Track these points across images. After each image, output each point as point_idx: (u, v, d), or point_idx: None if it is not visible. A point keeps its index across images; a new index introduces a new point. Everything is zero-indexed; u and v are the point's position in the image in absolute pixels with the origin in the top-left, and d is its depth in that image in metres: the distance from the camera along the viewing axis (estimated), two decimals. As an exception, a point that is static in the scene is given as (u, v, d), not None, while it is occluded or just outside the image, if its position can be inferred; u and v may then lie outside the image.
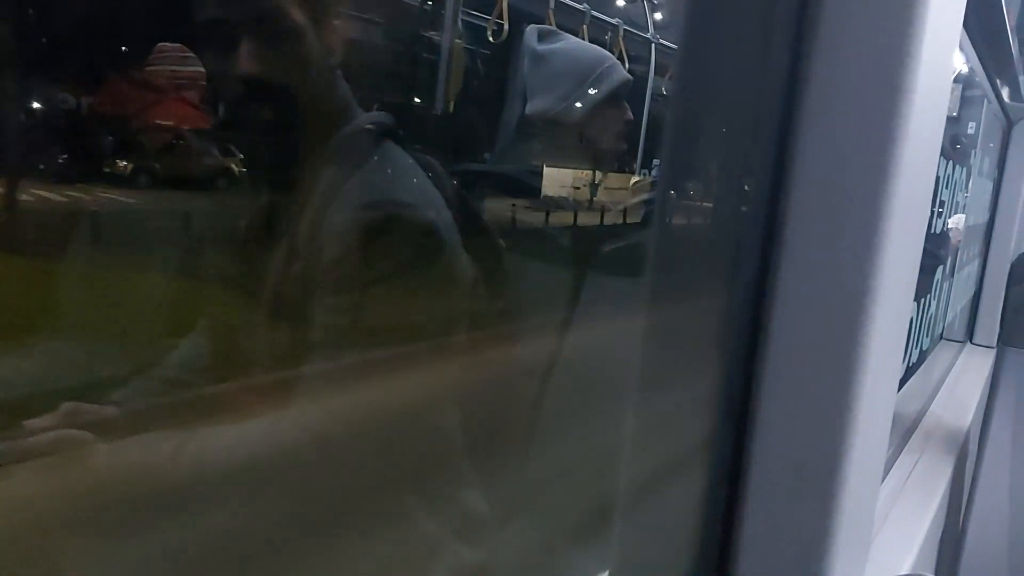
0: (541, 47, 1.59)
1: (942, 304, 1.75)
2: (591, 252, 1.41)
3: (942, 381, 1.91)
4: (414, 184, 0.98)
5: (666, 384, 0.66)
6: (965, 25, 1.25)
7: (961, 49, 1.39)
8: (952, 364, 2.09)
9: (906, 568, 1.09)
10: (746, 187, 0.63)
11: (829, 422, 0.61)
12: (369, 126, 0.93)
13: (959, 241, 1.90)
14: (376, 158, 0.94)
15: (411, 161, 0.98)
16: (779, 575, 0.65)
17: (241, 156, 0.87)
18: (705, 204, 0.68)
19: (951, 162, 1.46)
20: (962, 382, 1.99)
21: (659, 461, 0.68)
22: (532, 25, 1.63)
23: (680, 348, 0.66)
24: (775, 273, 0.62)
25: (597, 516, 0.75)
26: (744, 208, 0.63)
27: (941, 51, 0.64)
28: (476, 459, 1.02)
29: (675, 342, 0.66)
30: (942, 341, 1.96)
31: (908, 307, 0.71)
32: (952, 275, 1.86)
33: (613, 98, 1.58)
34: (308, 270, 0.87)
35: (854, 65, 0.59)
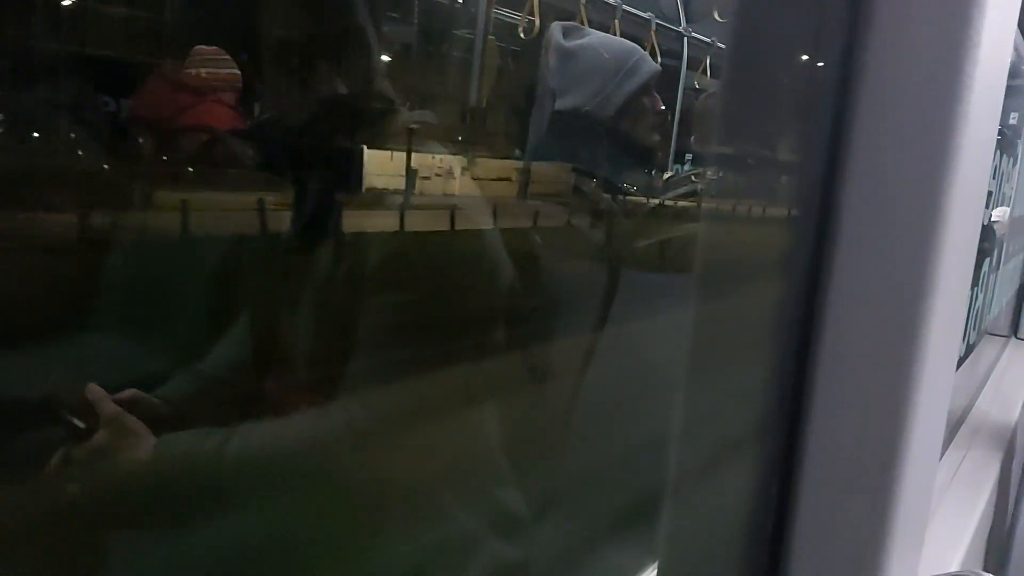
0: (569, 43, 1.58)
1: (988, 297, 1.71)
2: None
3: (987, 376, 1.87)
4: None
5: (718, 376, 0.66)
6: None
7: (1008, 36, 1.36)
8: (997, 359, 2.04)
9: (955, 566, 1.07)
10: (799, 177, 0.63)
11: (885, 415, 0.60)
12: (414, 125, 0.94)
13: (1004, 233, 1.86)
14: None
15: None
16: (832, 569, 0.65)
17: (298, 157, 0.89)
18: (756, 193, 0.67)
19: (998, 152, 1.43)
20: (1008, 377, 1.94)
21: (711, 453, 0.67)
22: (556, 22, 1.63)
23: (732, 340, 0.66)
24: (829, 265, 0.61)
25: (649, 507, 0.75)
26: (797, 198, 0.63)
27: (999, 43, 0.62)
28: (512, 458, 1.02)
29: (727, 333, 0.66)
30: (987, 336, 1.92)
31: (964, 299, 0.70)
32: (998, 268, 1.82)
33: (644, 90, 1.57)
34: (355, 269, 0.88)
35: (911, 55, 0.58)
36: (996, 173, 1.45)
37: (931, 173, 0.57)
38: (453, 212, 0.96)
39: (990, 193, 1.39)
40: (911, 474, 0.62)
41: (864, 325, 0.60)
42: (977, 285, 1.47)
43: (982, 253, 1.54)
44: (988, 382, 1.84)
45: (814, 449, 0.62)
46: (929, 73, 0.58)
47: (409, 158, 0.92)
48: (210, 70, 0.91)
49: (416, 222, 0.94)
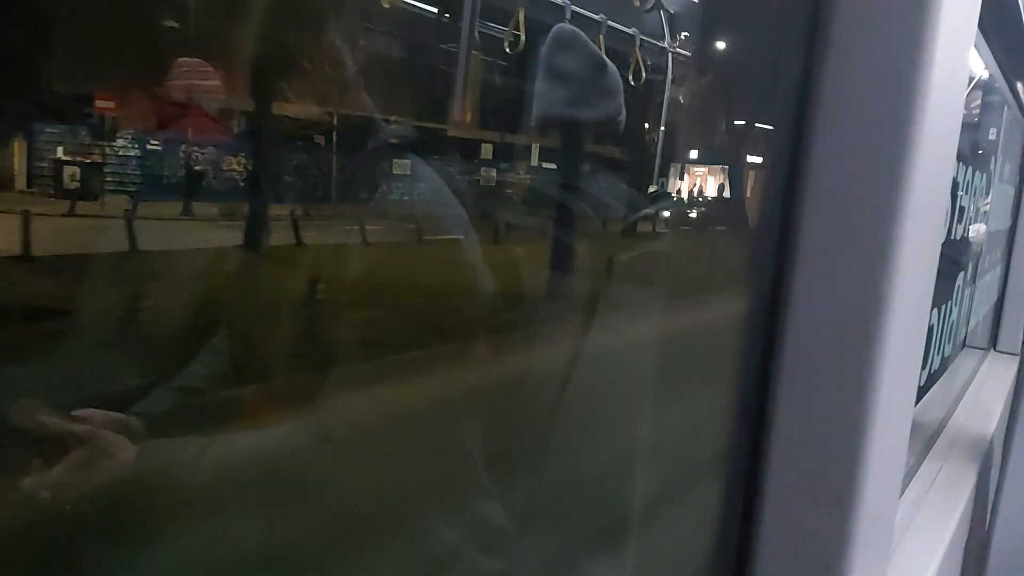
0: (602, 57, 1.53)
1: (964, 311, 1.73)
2: None
3: (965, 389, 1.89)
4: (437, 197, 1.00)
5: (682, 391, 0.66)
6: (983, 30, 1.24)
7: (979, 54, 1.38)
8: (975, 371, 2.06)
9: (931, 574, 1.07)
10: (759, 193, 0.64)
11: (846, 428, 0.61)
12: (394, 140, 0.95)
13: (980, 247, 1.88)
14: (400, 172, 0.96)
15: (434, 174, 1.00)
16: (798, 581, 0.65)
17: (277, 169, 0.89)
18: (718, 210, 0.68)
19: (971, 168, 1.45)
20: (986, 389, 1.96)
21: (675, 468, 0.68)
22: (564, 25, 1.58)
23: (695, 354, 0.66)
24: (789, 279, 0.62)
25: (614, 522, 0.76)
26: (757, 213, 0.64)
27: (955, 51, 0.64)
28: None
29: (690, 348, 0.66)
30: (965, 348, 1.94)
31: (926, 313, 0.71)
32: (974, 281, 1.84)
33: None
34: (336, 281, 0.89)
35: (866, 66, 0.60)
36: (969, 189, 1.47)
37: (887, 191, 0.58)
38: None
39: (963, 209, 1.41)
40: (873, 488, 0.62)
41: (824, 341, 0.61)
42: (951, 298, 1.49)
43: (957, 266, 1.56)
44: (966, 394, 1.86)
45: (777, 464, 0.63)
46: (887, 83, 0.59)
47: None
48: None
49: None
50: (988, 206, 1.81)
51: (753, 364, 0.63)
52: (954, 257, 1.50)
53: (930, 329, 1.27)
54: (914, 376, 0.71)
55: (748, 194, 0.69)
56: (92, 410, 0.77)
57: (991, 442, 1.63)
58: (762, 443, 0.64)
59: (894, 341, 0.60)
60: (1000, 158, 1.94)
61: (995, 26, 1.35)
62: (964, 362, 1.92)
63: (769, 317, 0.63)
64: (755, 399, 0.64)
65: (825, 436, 0.62)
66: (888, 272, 0.59)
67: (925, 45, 0.58)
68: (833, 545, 0.63)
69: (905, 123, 0.59)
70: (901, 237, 0.59)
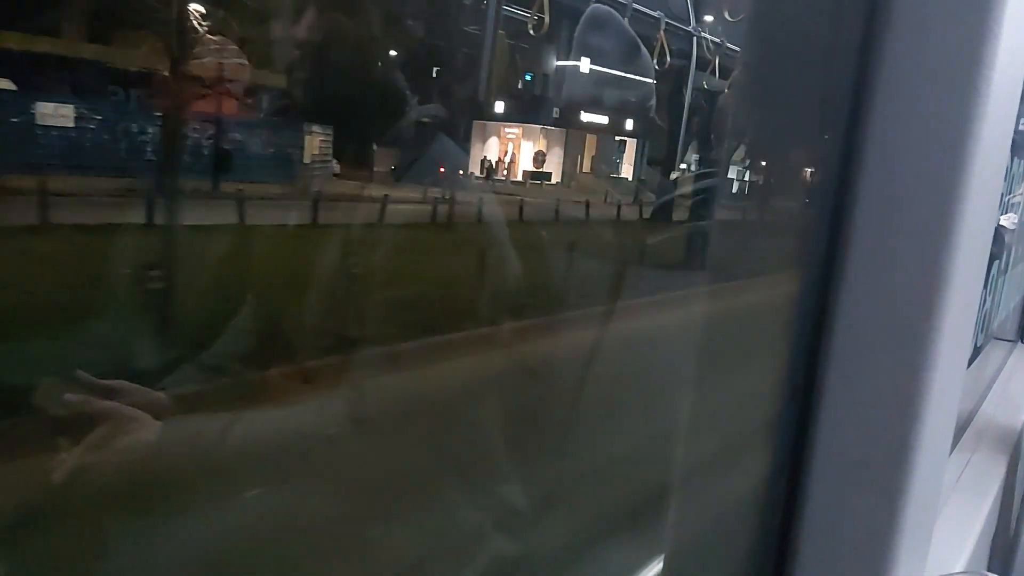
0: None
1: (996, 301, 1.71)
2: None
3: (993, 380, 1.87)
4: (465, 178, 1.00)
5: (728, 371, 0.66)
6: None
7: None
8: (1003, 364, 2.04)
9: (960, 566, 1.07)
10: (813, 177, 0.63)
11: (896, 413, 0.60)
12: (425, 119, 0.95)
13: (1013, 237, 1.86)
14: (431, 151, 0.96)
15: (463, 153, 0.99)
16: (840, 566, 0.65)
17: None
18: (769, 192, 0.67)
19: (1010, 156, 1.42)
20: (1014, 382, 1.94)
21: (718, 448, 0.68)
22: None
23: (742, 336, 0.66)
24: (842, 263, 0.61)
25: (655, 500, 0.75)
26: (811, 198, 0.63)
27: (1017, 46, 0.62)
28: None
29: (737, 330, 0.66)
30: (992, 340, 1.92)
31: (976, 299, 0.70)
32: (1006, 271, 1.82)
33: None
34: (364, 261, 0.89)
35: (928, 57, 0.58)
36: (1007, 176, 1.45)
37: (946, 174, 0.57)
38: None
39: (1001, 195, 1.38)
40: (921, 472, 0.62)
41: (876, 323, 0.60)
42: (986, 287, 1.47)
43: (991, 256, 1.54)
44: (994, 386, 1.84)
45: (824, 446, 0.63)
46: (946, 74, 0.58)
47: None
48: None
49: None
50: (1022, 196, 1.78)
51: (801, 347, 0.62)
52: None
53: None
54: (963, 362, 0.70)
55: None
56: (123, 382, 0.77)
57: (1020, 434, 1.61)
58: (808, 427, 0.63)
59: (947, 326, 0.59)
60: (1035, 147, 1.90)
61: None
62: (992, 353, 1.90)
63: (819, 300, 0.62)
64: (802, 382, 0.63)
65: (873, 421, 0.61)
66: (943, 257, 0.58)
67: (990, 25, 0.57)
68: (879, 529, 0.62)
69: (965, 109, 0.57)
70: (957, 229, 0.58)
